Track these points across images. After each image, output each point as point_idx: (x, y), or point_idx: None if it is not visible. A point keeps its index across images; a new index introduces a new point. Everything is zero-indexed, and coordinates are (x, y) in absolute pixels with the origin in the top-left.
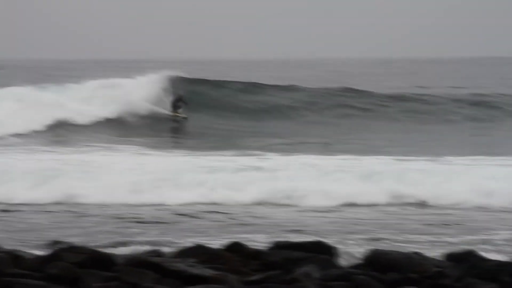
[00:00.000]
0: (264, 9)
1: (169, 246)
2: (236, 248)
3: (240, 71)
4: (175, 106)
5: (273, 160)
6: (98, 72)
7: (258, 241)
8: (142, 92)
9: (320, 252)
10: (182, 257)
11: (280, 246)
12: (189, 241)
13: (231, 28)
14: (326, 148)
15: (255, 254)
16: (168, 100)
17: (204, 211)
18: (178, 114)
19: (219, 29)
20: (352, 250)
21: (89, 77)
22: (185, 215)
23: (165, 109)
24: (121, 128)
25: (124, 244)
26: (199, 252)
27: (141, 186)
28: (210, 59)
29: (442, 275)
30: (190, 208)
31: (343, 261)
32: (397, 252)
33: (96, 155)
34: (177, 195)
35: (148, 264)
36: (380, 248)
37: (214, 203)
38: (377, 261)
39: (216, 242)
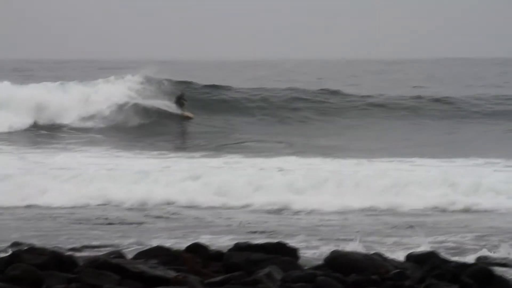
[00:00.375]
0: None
1: (130, 248)
2: (197, 249)
3: (200, 71)
4: (180, 104)
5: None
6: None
7: (220, 242)
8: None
9: (282, 253)
10: (143, 259)
11: (241, 248)
12: (151, 243)
13: (206, 28)
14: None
15: (217, 256)
16: (171, 99)
17: (167, 212)
18: (186, 114)
19: (187, 30)
20: (314, 251)
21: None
22: (149, 216)
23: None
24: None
25: (85, 246)
26: (160, 253)
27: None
28: (177, 59)
29: (403, 276)
30: (153, 209)
31: (305, 263)
32: (358, 253)
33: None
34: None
35: (109, 266)
36: (341, 249)
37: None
38: (339, 262)
39: (179, 244)
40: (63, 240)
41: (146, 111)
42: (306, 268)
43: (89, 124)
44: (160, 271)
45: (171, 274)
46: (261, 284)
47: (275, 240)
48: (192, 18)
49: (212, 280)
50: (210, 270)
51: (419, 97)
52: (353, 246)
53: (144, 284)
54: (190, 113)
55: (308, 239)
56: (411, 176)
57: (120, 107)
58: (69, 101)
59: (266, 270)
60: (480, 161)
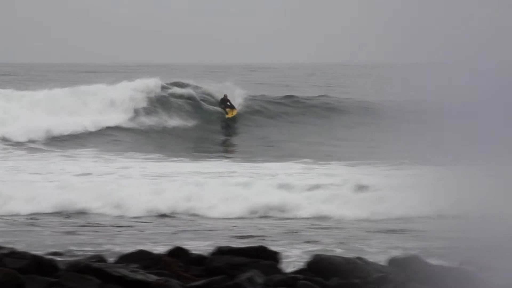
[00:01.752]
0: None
1: (112, 252)
2: (178, 253)
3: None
4: (229, 106)
5: None
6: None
7: (202, 246)
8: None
9: (264, 257)
10: (124, 263)
11: (222, 252)
12: (133, 248)
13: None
14: None
15: (198, 260)
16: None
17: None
18: (230, 114)
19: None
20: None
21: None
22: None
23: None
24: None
25: (67, 250)
26: (141, 258)
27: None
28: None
29: (386, 280)
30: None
31: (287, 266)
32: (340, 257)
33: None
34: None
35: (90, 270)
36: (323, 253)
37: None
38: (320, 267)
39: (160, 248)
40: (45, 244)
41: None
42: (287, 272)
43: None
44: (141, 275)
45: (153, 278)
46: None
47: (256, 244)
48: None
49: (194, 284)
50: (191, 274)
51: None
52: None
53: (125, 287)
54: (233, 110)
55: None
56: None
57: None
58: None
59: (248, 274)
60: None
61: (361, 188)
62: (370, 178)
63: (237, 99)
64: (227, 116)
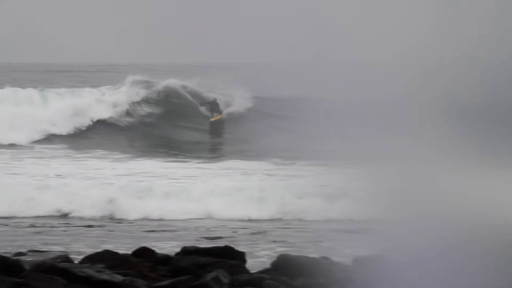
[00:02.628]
0: None
1: (78, 253)
2: (144, 253)
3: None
4: (215, 110)
5: None
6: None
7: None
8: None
9: (230, 257)
10: (90, 263)
11: (188, 252)
12: (98, 248)
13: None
14: None
15: (164, 260)
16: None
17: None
18: (215, 117)
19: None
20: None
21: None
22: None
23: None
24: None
25: (32, 251)
26: (107, 258)
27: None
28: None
29: (350, 280)
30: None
31: (252, 266)
32: (305, 257)
33: None
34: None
35: (56, 270)
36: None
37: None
38: (286, 266)
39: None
40: (10, 245)
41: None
42: (253, 272)
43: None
44: (107, 275)
45: (118, 278)
46: (208, 287)
47: (222, 244)
48: None
49: (160, 284)
50: (157, 274)
51: None
52: None
53: (91, 287)
54: (218, 115)
55: None
56: None
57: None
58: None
59: (213, 274)
60: None
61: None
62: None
63: None
64: (211, 119)
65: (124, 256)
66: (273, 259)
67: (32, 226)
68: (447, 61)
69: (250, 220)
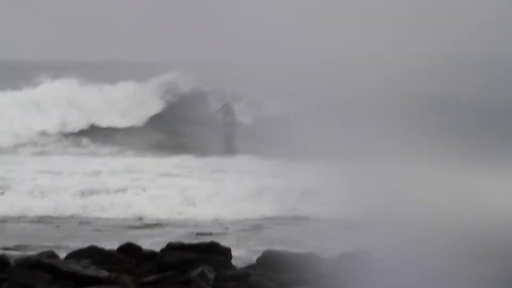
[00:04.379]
0: None
1: (63, 248)
2: (130, 249)
3: None
4: (228, 114)
5: None
6: None
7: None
8: None
9: (215, 253)
10: (76, 258)
11: (173, 248)
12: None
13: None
14: None
15: (149, 255)
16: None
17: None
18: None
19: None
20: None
21: None
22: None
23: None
24: None
25: (17, 246)
26: (92, 253)
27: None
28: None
29: (336, 275)
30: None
31: (238, 262)
32: (291, 252)
33: None
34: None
35: (41, 265)
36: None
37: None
38: (272, 262)
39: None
40: None
41: None
42: (239, 267)
43: None
44: (93, 271)
45: (104, 273)
46: (194, 283)
47: (208, 240)
48: None
49: (145, 279)
50: (143, 269)
51: None
52: None
53: (76, 283)
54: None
55: None
56: None
57: None
58: None
59: (199, 269)
60: None
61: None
62: None
63: None
64: (223, 121)
65: (110, 251)
66: (259, 255)
67: None
68: (432, 58)
69: (246, 219)
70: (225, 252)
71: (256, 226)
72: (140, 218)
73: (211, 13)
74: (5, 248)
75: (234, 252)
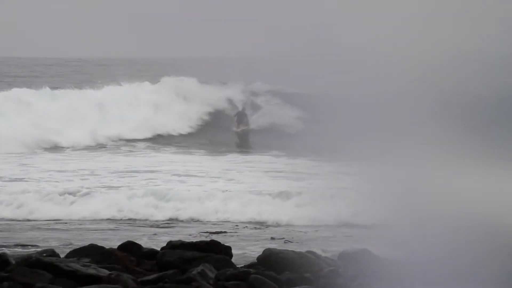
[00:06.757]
0: None
1: (64, 246)
2: (130, 248)
3: None
4: (242, 121)
5: None
6: None
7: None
8: None
9: (215, 251)
10: (76, 257)
11: (174, 246)
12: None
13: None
14: None
15: (150, 254)
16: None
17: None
18: (241, 128)
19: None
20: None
21: None
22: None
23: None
24: None
25: (18, 245)
26: (93, 252)
27: None
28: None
29: (336, 274)
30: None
31: (238, 261)
32: (292, 251)
33: None
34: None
35: (42, 264)
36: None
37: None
38: (272, 261)
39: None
40: None
41: None
42: (239, 266)
43: None
44: (93, 270)
45: (104, 272)
46: (194, 282)
47: (208, 239)
48: None
49: (146, 278)
50: (143, 268)
51: None
52: None
53: (77, 282)
54: (244, 126)
55: None
56: None
57: None
58: None
59: (199, 268)
60: None
61: None
62: None
63: None
64: (236, 130)
65: (110, 250)
66: (260, 254)
67: None
68: (446, 58)
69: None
70: (226, 251)
71: None
72: None
73: None
74: (5, 246)
75: None
